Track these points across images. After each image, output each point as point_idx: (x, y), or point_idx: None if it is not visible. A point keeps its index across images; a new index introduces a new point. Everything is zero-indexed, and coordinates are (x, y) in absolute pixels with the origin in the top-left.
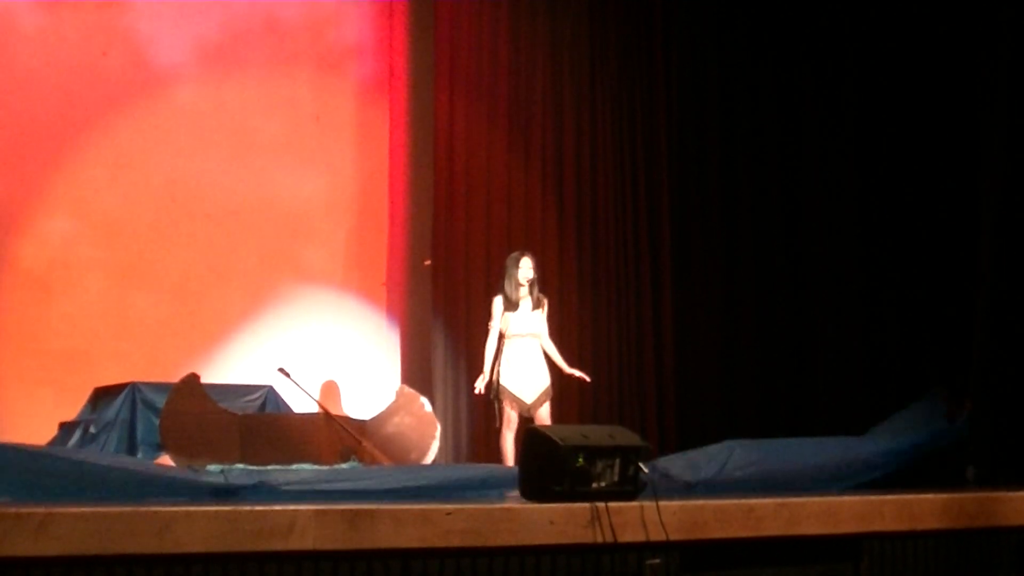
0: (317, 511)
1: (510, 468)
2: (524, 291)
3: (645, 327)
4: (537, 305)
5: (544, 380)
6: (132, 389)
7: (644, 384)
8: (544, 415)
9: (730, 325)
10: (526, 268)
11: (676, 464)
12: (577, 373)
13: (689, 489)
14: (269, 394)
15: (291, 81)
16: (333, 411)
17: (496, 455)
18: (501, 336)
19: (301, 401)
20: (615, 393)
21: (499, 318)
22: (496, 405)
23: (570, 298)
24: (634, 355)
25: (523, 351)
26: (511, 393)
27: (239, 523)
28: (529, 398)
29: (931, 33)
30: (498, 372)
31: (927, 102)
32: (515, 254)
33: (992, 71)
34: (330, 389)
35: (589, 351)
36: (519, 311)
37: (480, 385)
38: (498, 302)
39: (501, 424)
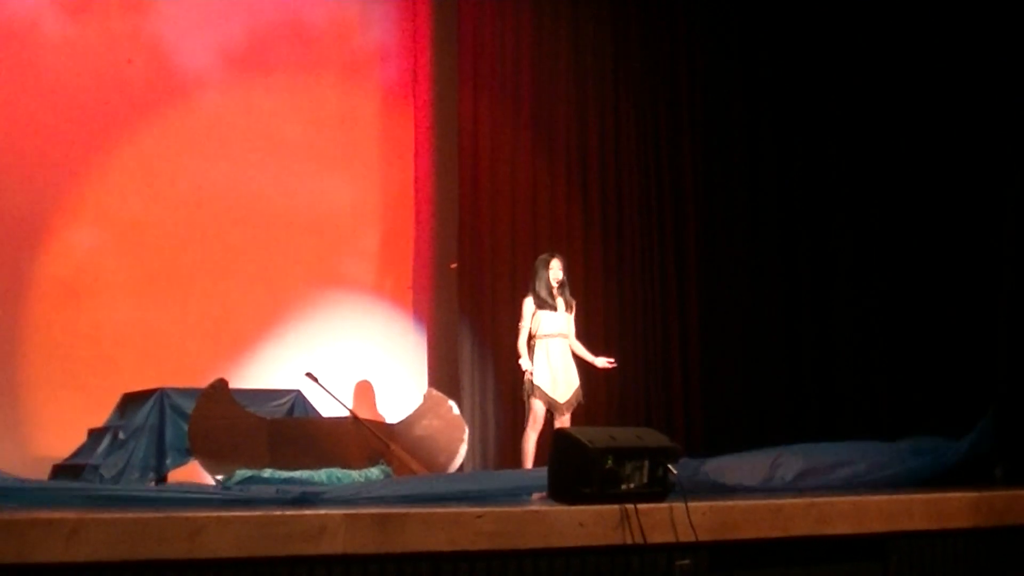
0: (347, 515)
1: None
2: (555, 292)
3: (671, 325)
4: (567, 306)
5: (575, 380)
6: (161, 395)
7: (671, 382)
8: (566, 422)
9: (756, 322)
10: (556, 269)
11: (720, 469)
12: (602, 362)
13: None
14: (297, 398)
15: (316, 85)
16: (367, 412)
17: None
18: (531, 337)
19: (329, 405)
20: (641, 392)
21: (529, 319)
22: (528, 404)
23: (596, 297)
24: (660, 353)
25: (555, 352)
26: (545, 393)
27: (269, 528)
28: (562, 397)
29: (959, 37)
30: (531, 372)
31: (954, 106)
32: (544, 256)
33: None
34: (363, 390)
35: (615, 349)
36: (550, 312)
37: (525, 365)
38: (529, 303)
39: (527, 424)
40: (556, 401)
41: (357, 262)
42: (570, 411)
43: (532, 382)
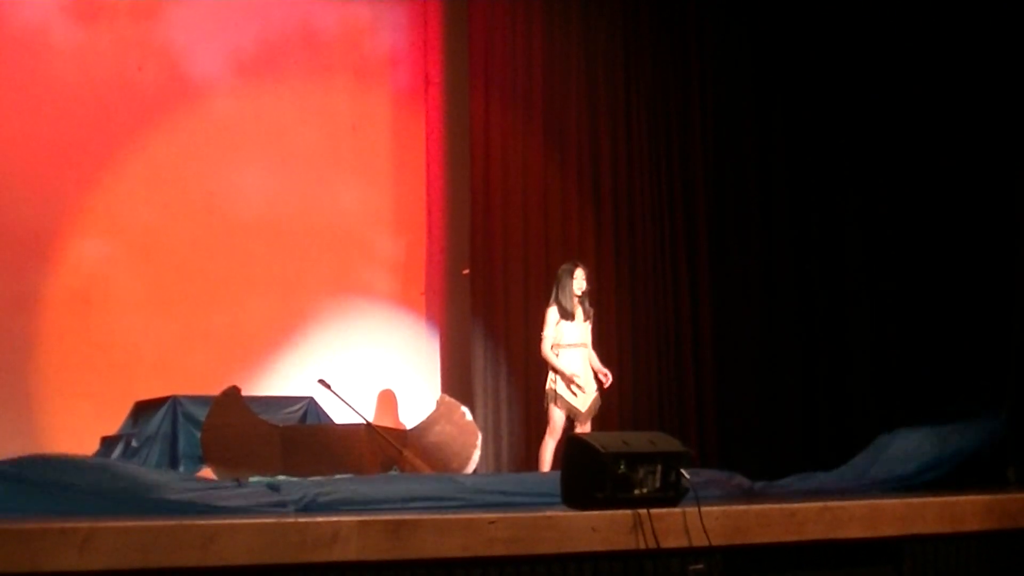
0: (360, 521)
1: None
2: (576, 302)
3: (683, 331)
4: (586, 316)
5: (594, 389)
6: (173, 403)
7: (683, 388)
8: (587, 430)
9: (769, 327)
10: (580, 279)
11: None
12: (602, 377)
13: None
14: (310, 405)
15: (327, 91)
16: (380, 419)
17: (535, 463)
18: (552, 346)
19: (342, 412)
20: (654, 398)
21: (553, 328)
22: (548, 412)
23: (608, 303)
24: (673, 359)
25: (577, 361)
26: (566, 401)
27: (283, 535)
28: (583, 406)
29: (976, 32)
30: (554, 380)
31: (967, 105)
32: (568, 265)
33: None
34: (376, 396)
35: (628, 356)
36: (571, 322)
37: (562, 366)
38: (553, 313)
39: (547, 431)
40: (577, 410)
41: (369, 268)
42: (589, 419)
43: (555, 391)
